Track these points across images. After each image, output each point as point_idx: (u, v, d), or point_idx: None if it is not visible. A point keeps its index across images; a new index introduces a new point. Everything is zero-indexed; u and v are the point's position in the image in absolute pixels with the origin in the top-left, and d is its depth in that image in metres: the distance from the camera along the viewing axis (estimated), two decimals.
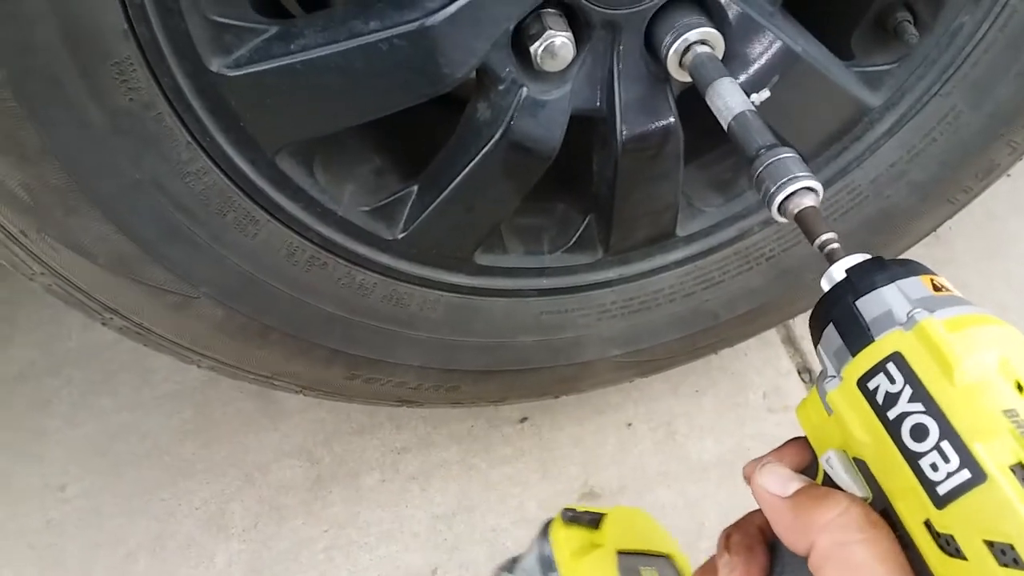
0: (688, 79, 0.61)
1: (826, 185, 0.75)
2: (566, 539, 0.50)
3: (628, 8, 0.60)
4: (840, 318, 0.40)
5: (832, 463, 0.38)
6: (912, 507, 0.34)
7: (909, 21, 0.70)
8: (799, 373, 1.06)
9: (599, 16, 0.60)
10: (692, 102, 0.64)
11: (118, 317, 0.63)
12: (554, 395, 0.90)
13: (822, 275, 0.43)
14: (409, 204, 0.67)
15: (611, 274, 0.78)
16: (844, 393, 0.38)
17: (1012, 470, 0.32)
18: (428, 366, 0.76)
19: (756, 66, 0.64)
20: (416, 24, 0.55)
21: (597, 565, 0.49)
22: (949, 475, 0.33)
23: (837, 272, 0.42)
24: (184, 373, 1.08)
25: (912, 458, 0.34)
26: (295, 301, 0.66)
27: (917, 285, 0.39)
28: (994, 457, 0.32)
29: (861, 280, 0.40)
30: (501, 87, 0.61)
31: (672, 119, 0.66)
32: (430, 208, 0.66)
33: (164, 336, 0.65)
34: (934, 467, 0.33)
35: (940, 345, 0.35)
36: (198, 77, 0.54)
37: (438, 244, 0.70)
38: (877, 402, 0.36)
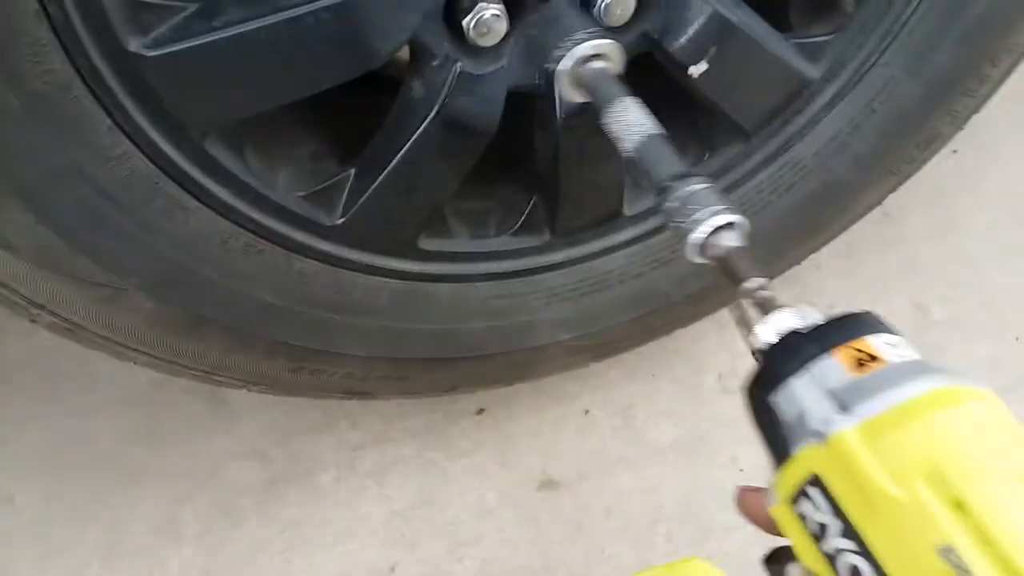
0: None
1: (769, 160, 0.74)
2: None
3: None
4: (758, 415, 0.35)
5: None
6: None
7: None
8: (754, 354, 1.05)
9: None
10: (636, 74, 0.63)
11: (46, 313, 0.61)
12: (508, 382, 0.89)
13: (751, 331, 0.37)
14: (347, 188, 0.66)
15: (559, 256, 0.77)
16: (781, 513, 0.33)
17: None
18: (375, 355, 0.74)
19: (693, 36, 0.64)
20: None
21: None
22: None
23: (766, 335, 0.36)
24: (131, 377, 1.05)
25: None
26: (231, 291, 0.64)
27: (833, 368, 0.33)
28: None
29: (775, 363, 0.34)
30: (435, 63, 0.60)
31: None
32: (368, 192, 0.65)
33: (96, 332, 0.63)
34: None
35: (856, 467, 0.30)
36: (116, 58, 0.52)
37: (379, 229, 0.68)
38: (810, 532, 0.32)
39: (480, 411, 1.01)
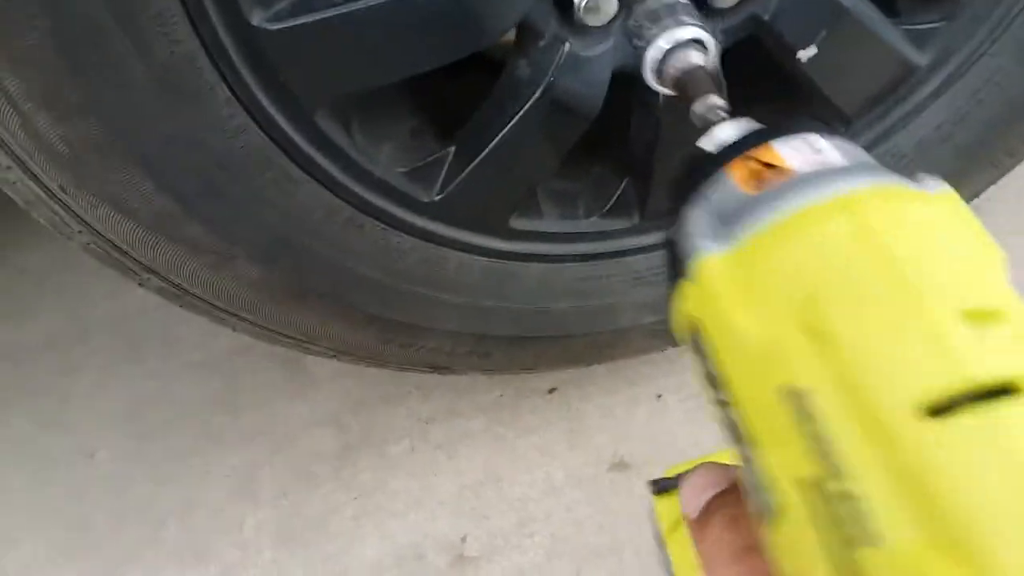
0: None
1: (869, 148, 0.73)
2: (661, 514, 0.44)
3: None
4: (667, 255, 0.30)
5: None
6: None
7: None
8: None
9: None
10: (737, 57, 0.62)
11: (156, 277, 0.63)
12: (586, 363, 0.89)
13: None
14: (446, 166, 0.66)
15: (647, 239, 0.76)
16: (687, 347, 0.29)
17: (800, 487, 0.23)
18: (463, 331, 0.75)
19: (805, 20, 0.63)
20: None
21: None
22: (758, 497, 0.25)
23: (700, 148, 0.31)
24: (212, 342, 1.08)
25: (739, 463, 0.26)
26: (332, 263, 0.65)
27: (727, 188, 0.28)
28: (782, 473, 0.24)
29: (682, 186, 0.30)
30: (542, 43, 0.60)
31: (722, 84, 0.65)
32: (467, 170, 0.65)
33: (201, 297, 0.65)
34: (750, 485, 0.25)
35: (715, 301, 0.25)
36: (239, 30, 0.53)
37: (475, 207, 0.69)
38: (705, 382, 0.27)
39: (552, 390, 1.02)
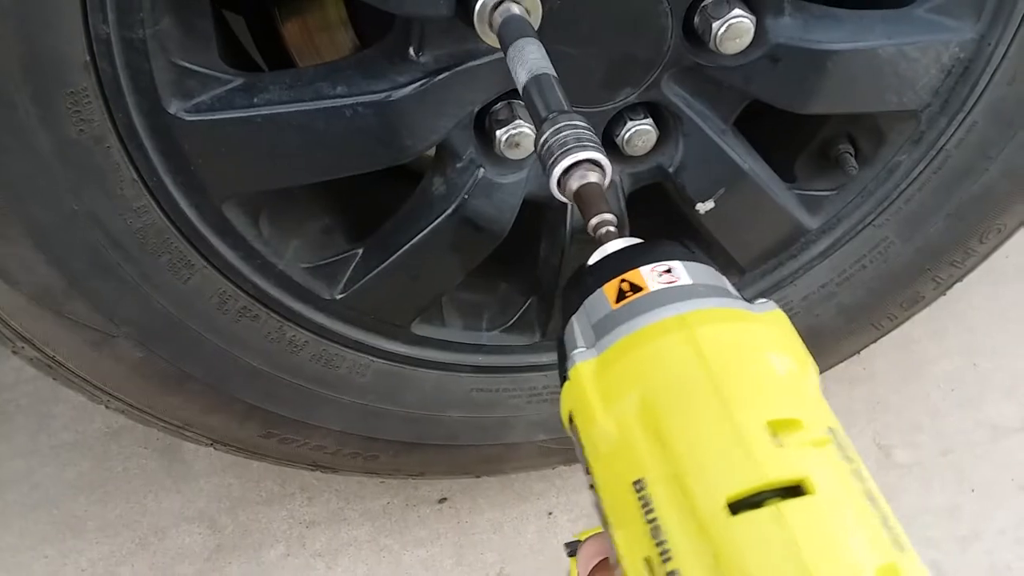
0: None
1: (760, 297, 0.77)
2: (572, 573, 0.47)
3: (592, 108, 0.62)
4: (559, 343, 0.34)
5: None
6: None
7: (851, 153, 0.73)
8: None
9: None
10: (640, 199, 0.65)
11: (31, 347, 0.60)
12: (475, 474, 0.89)
13: None
14: (352, 266, 0.67)
15: (546, 358, 0.78)
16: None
17: (643, 564, 0.26)
18: (350, 432, 0.74)
19: (705, 177, 0.67)
20: (383, 95, 0.56)
21: None
22: (618, 568, 0.28)
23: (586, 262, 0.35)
24: (86, 423, 1.01)
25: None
26: (219, 351, 0.64)
27: (600, 301, 0.32)
28: (627, 552, 0.27)
29: (568, 296, 0.34)
30: (459, 165, 0.62)
31: (621, 214, 0.68)
32: (373, 272, 0.66)
33: (76, 373, 0.62)
34: (612, 558, 0.29)
35: (583, 402, 0.30)
36: (154, 117, 0.53)
37: (377, 309, 0.69)
38: (583, 469, 0.31)
39: (442, 500, 1.00)
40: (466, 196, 0.63)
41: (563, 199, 0.40)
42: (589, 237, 0.65)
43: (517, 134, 0.59)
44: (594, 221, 0.37)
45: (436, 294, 0.70)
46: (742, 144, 0.68)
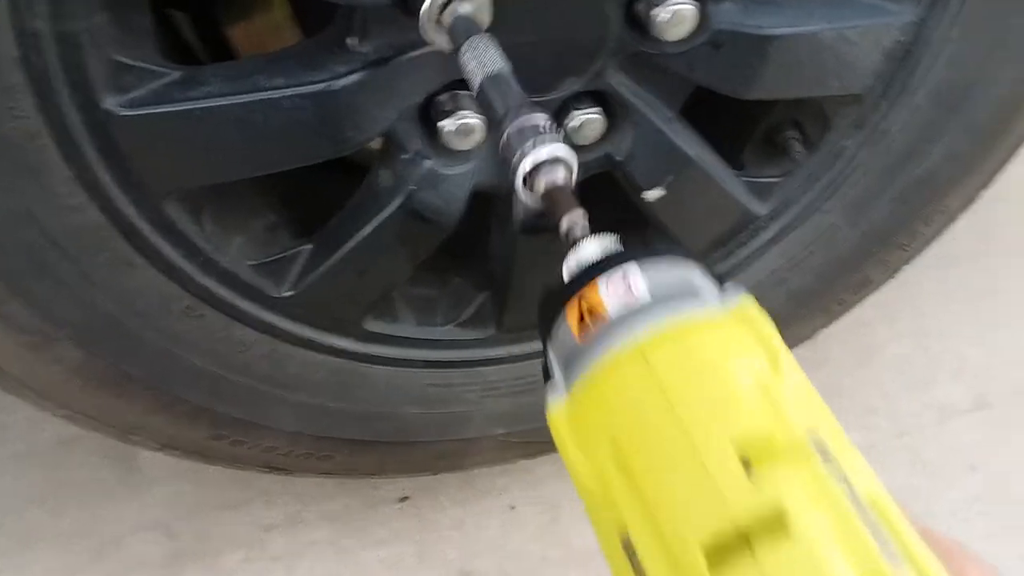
0: None
1: None
2: None
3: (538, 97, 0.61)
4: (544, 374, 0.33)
5: None
6: None
7: (797, 139, 0.74)
8: None
9: None
10: (596, 187, 0.65)
11: None
12: (434, 471, 0.88)
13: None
14: (300, 263, 0.66)
15: (501, 352, 0.77)
16: None
17: None
18: (302, 432, 0.73)
19: (654, 166, 0.67)
20: (322, 85, 0.55)
21: None
22: None
23: (565, 271, 0.34)
24: (38, 432, 0.98)
25: None
26: (163, 351, 0.62)
27: (565, 331, 0.31)
28: None
29: (542, 320, 0.33)
30: (404, 156, 0.62)
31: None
32: (321, 268, 0.65)
33: (16, 377, 0.61)
34: None
35: (564, 450, 0.29)
36: (88, 112, 0.52)
37: (326, 306, 0.68)
38: None
39: (403, 499, 0.99)
40: (413, 188, 0.62)
41: (529, 202, 0.40)
42: (538, 228, 0.65)
43: (462, 124, 0.59)
44: (564, 224, 0.36)
45: (386, 289, 0.70)
46: (690, 132, 0.68)
